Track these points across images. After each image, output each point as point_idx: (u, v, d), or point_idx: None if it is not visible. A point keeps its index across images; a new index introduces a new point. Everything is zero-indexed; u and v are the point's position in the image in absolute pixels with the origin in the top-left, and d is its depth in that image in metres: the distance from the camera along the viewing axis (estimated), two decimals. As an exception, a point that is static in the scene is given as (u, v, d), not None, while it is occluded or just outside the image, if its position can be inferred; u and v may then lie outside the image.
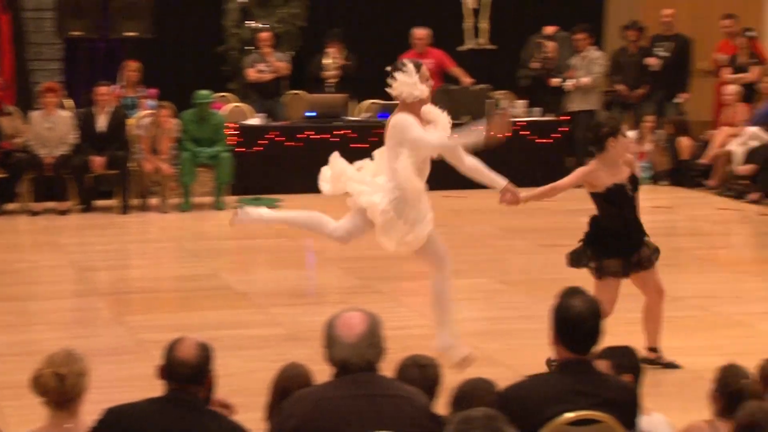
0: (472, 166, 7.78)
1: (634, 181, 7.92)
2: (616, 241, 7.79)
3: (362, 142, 15.58)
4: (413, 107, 7.51)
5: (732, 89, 15.93)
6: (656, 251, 8.00)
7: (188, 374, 4.48)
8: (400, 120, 7.45)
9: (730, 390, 5.07)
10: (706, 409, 5.13)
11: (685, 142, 15.96)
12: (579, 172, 7.95)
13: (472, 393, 4.79)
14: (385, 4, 18.51)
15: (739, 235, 13.50)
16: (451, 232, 12.98)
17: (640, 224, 8.00)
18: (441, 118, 7.64)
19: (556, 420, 4.62)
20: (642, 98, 16.74)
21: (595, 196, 7.88)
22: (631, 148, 7.72)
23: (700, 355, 8.06)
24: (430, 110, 7.58)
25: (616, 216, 7.82)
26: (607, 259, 7.79)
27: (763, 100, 15.78)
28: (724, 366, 5.26)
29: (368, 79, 16.54)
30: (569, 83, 16.08)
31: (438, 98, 15.96)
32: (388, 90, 7.55)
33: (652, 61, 16.68)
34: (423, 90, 7.46)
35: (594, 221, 7.93)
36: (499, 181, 7.82)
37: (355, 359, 4.36)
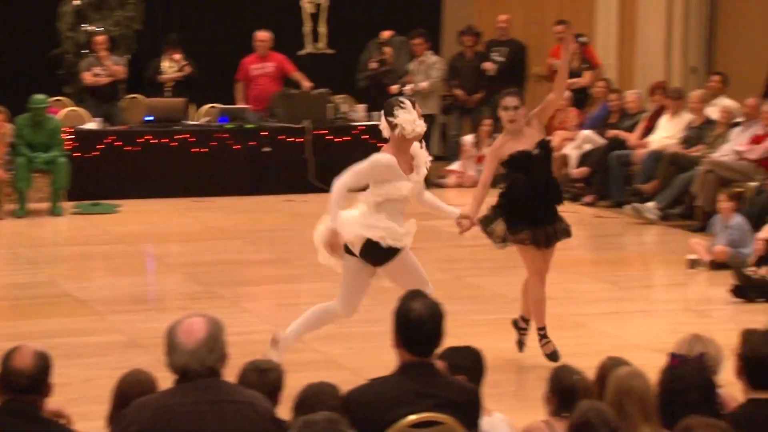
0: (430, 202, 8.15)
1: (543, 146, 7.99)
2: (524, 210, 7.87)
3: (202, 147, 15.48)
4: (406, 143, 7.59)
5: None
6: (565, 232, 8.11)
7: (25, 384, 4.38)
8: (376, 157, 7.60)
9: (561, 388, 5.17)
10: (544, 409, 5.22)
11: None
12: (488, 154, 8.09)
13: (314, 397, 4.79)
14: (223, 8, 18.41)
15: (575, 238, 13.68)
16: (294, 236, 12.98)
17: (555, 188, 8.11)
18: (421, 153, 7.77)
19: (398, 422, 4.65)
20: (479, 102, 16.97)
21: (503, 167, 7.98)
22: (519, 115, 7.83)
23: (539, 356, 8.19)
24: (414, 145, 7.67)
25: (523, 183, 7.90)
26: (515, 227, 7.84)
27: (596, 105, 16.15)
28: (556, 366, 5.37)
29: (207, 83, 16.44)
30: (408, 88, 16.21)
31: (278, 102, 15.97)
32: (381, 128, 7.65)
33: (488, 66, 16.92)
34: (422, 125, 7.56)
35: (502, 194, 8.02)
36: (454, 211, 8.17)
37: (195, 365, 4.31)
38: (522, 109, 8.01)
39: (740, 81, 15.79)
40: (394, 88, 16.50)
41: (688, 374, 4.93)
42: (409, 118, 7.52)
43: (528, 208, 7.94)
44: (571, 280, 10.99)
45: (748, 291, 9.86)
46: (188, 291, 10.48)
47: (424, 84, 16.30)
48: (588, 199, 14.97)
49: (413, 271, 7.69)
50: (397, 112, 7.53)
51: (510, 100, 8.02)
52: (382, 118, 7.63)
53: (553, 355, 8.02)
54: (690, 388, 4.89)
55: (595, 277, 11.02)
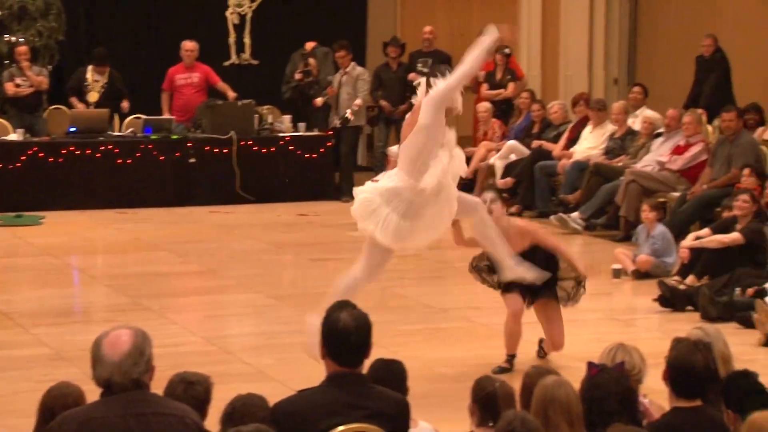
0: None
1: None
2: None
3: (126, 158, 15.37)
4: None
5: (484, 106, 16.37)
6: (552, 294, 8.38)
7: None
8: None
9: (483, 396, 5.21)
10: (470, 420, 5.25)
11: (447, 157, 16.28)
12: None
13: (243, 409, 4.77)
14: (148, 19, 18.30)
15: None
16: (219, 247, 12.94)
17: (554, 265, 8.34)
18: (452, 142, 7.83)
19: (327, 433, 4.65)
20: (405, 113, 17.00)
21: None
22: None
23: (466, 366, 8.23)
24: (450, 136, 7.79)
25: None
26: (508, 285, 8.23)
27: (520, 115, 16.26)
28: (478, 378, 5.41)
29: (132, 94, 16.32)
30: (349, 113, 16.16)
31: (204, 113, 15.90)
32: (420, 94, 7.68)
33: (413, 77, 16.96)
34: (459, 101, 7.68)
35: None
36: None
37: (119, 378, 4.28)
38: (499, 205, 8.29)
39: (661, 92, 16.01)
40: (319, 101, 16.49)
41: (607, 383, 4.98)
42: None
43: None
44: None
45: (673, 300, 9.98)
46: (114, 303, 10.39)
47: (358, 101, 16.26)
48: (513, 209, 15.05)
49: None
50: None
51: (486, 195, 8.40)
52: (424, 85, 7.63)
53: None
54: (609, 396, 4.94)
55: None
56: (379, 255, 7.70)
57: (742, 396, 5.12)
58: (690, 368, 5.13)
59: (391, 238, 7.51)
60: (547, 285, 8.32)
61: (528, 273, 7.93)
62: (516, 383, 5.42)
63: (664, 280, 10.36)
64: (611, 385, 4.97)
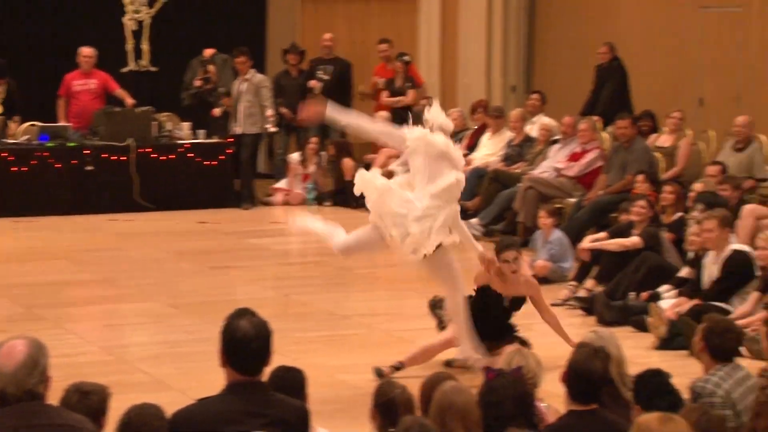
0: (461, 228, 8.51)
1: (515, 303, 8.59)
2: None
3: (22, 166, 15.14)
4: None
5: (382, 115, 16.42)
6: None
7: None
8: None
9: (383, 402, 5.24)
10: (371, 426, 5.27)
11: (348, 164, 16.32)
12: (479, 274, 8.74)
13: (138, 419, 4.73)
14: (45, 25, 18.05)
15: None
16: (119, 255, 12.81)
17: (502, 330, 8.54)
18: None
19: (227, 441, 4.63)
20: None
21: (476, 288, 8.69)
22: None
23: (366, 372, 8.25)
24: None
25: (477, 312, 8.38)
26: None
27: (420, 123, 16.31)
28: (379, 383, 5.44)
29: (27, 101, 16.08)
30: (270, 126, 16.13)
31: (101, 120, 15.73)
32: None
33: (314, 84, 16.98)
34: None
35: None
36: (477, 246, 8.67)
37: (13, 389, 4.23)
38: (520, 260, 8.55)
39: (559, 99, 16.21)
40: (217, 111, 16.39)
41: (503, 387, 5.04)
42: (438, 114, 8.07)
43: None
44: (398, 296, 11.10)
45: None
46: (9, 313, 10.22)
47: (270, 112, 16.16)
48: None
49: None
50: (426, 112, 8.06)
51: (509, 254, 8.48)
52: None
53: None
54: (505, 401, 5.00)
55: (422, 293, 11.12)
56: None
57: (651, 394, 5.23)
58: (588, 374, 5.22)
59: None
60: (507, 332, 8.47)
61: (477, 361, 8.02)
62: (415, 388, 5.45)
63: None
64: (507, 389, 5.04)
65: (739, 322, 8.81)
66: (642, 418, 4.06)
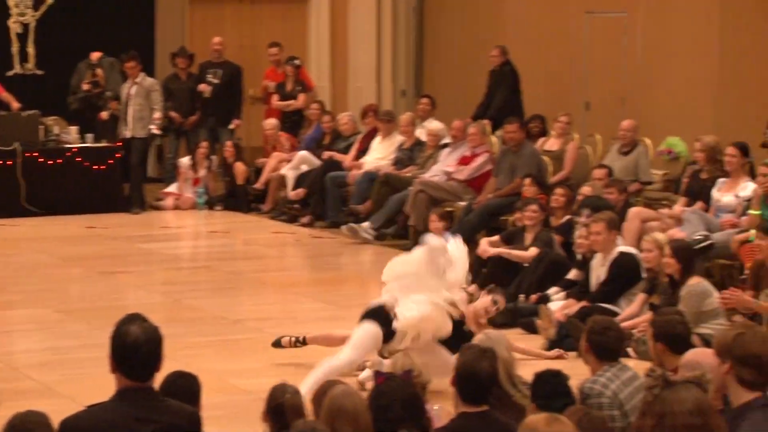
0: None
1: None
2: None
3: None
4: None
5: (270, 123, 16.42)
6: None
7: None
8: None
9: (273, 406, 5.25)
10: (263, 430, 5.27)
11: (239, 168, 16.27)
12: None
13: (22, 427, 4.65)
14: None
15: (293, 258, 13.92)
16: (6, 261, 12.60)
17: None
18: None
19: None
20: (195, 125, 16.91)
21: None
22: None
23: (259, 377, 8.24)
24: None
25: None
26: None
27: (310, 126, 16.34)
28: (272, 387, 5.44)
29: None
30: (154, 128, 15.99)
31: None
32: None
33: (203, 88, 16.88)
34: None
35: None
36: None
37: None
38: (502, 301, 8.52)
39: (449, 103, 16.34)
40: (104, 114, 16.21)
41: (392, 390, 5.07)
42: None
43: None
44: (290, 300, 11.10)
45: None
46: None
47: (157, 115, 16.02)
48: (305, 219, 15.15)
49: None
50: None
51: (497, 296, 8.46)
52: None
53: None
54: (394, 404, 5.03)
55: (314, 297, 11.16)
56: None
57: (548, 394, 5.31)
58: (475, 375, 5.27)
59: None
60: None
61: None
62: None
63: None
64: (396, 392, 5.07)
65: (627, 323, 9.00)
66: (529, 418, 4.12)
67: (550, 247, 10.72)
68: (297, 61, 17.00)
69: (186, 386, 5.36)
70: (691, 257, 8.82)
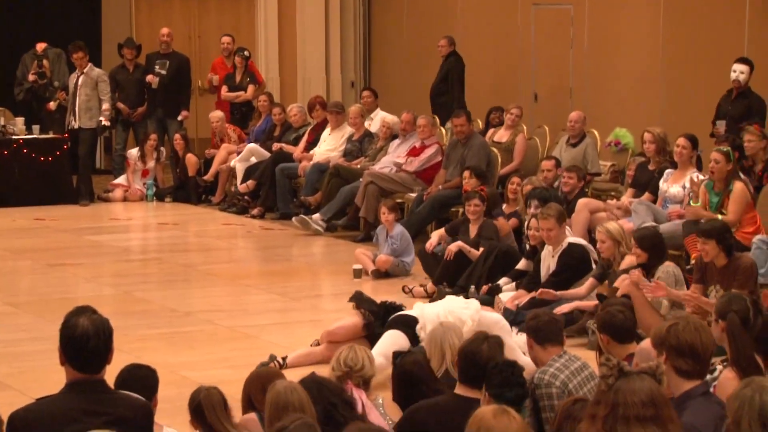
0: None
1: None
2: None
3: None
4: None
5: (216, 116, 16.35)
6: None
7: None
8: None
9: (192, 408, 5.28)
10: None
11: (189, 159, 16.21)
12: None
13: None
14: None
15: (244, 249, 13.89)
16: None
17: None
18: None
19: (68, 441, 4.58)
20: (143, 116, 16.83)
21: None
22: None
23: (210, 369, 8.23)
24: None
25: None
26: None
27: (260, 118, 16.29)
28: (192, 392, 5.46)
29: None
30: (104, 120, 15.89)
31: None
32: None
33: (151, 79, 16.81)
34: None
35: None
36: None
37: None
38: None
39: (396, 95, 16.37)
40: (52, 105, 16.10)
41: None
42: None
43: None
44: (241, 292, 11.08)
45: None
46: None
47: (106, 106, 15.92)
48: (255, 211, 15.13)
49: None
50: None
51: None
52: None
53: None
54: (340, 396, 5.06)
55: (265, 288, 11.16)
56: None
57: (502, 384, 5.38)
58: (475, 356, 5.52)
59: None
60: None
61: None
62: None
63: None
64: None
65: (571, 305, 9.09)
66: (479, 410, 4.17)
67: (495, 238, 10.78)
68: (246, 53, 16.96)
69: (142, 377, 5.36)
70: (656, 244, 8.85)
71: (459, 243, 10.75)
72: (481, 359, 5.49)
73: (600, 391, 4.18)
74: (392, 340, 7.92)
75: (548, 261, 9.77)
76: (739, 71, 12.02)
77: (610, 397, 4.18)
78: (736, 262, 8.47)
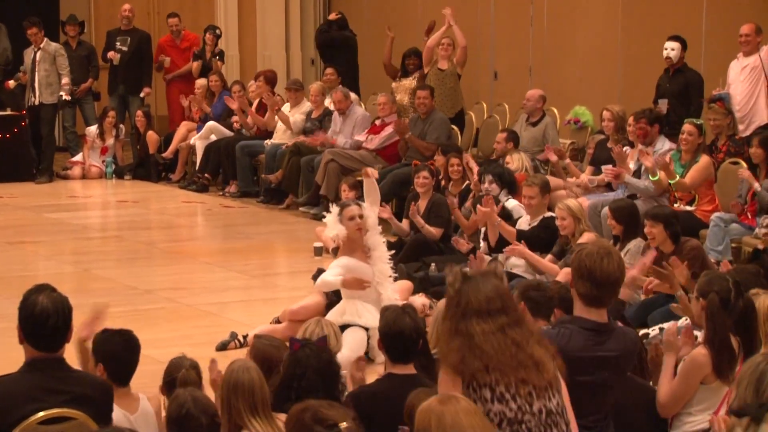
0: None
1: None
2: None
3: None
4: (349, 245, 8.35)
5: (200, 83, 16.27)
6: None
7: None
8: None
9: (167, 380, 5.29)
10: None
11: (151, 137, 16.14)
12: None
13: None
14: None
15: (204, 227, 13.87)
16: None
17: None
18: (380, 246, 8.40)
19: (27, 420, 4.58)
20: (88, 93, 16.64)
21: None
22: None
23: (171, 347, 8.22)
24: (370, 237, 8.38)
25: None
26: None
27: (213, 97, 16.12)
28: (171, 360, 5.47)
29: None
30: (64, 95, 15.78)
31: None
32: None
33: (112, 56, 16.72)
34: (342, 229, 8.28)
35: None
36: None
37: None
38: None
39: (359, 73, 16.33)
40: (11, 83, 15.98)
41: (307, 358, 5.10)
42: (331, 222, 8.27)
43: None
44: (201, 269, 11.07)
45: None
46: None
47: (66, 80, 15.80)
48: (216, 189, 15.09)
49: None
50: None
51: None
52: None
53: None
54: (308, 371, 5.07)
55: (225, 266, 11.15)
56: None
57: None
58: (400, 332, 5.40)
59: None
60: None
61: None
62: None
63: None
64: (311, 359, 5.09)
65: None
66: (424, 403, 4.20)
67: (446, 215, 10.73)
68: (218, 31, 16.94)
69: (123, 342, 5.37)
70: (632, 216, 8.86)
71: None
72: (406, 333, 5.42)
73: (448, 297, 4.31)
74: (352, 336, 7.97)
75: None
76: (670, 48, 12.12)
77: (455, 299, 4.29)
78: (682, 247, 8.42)
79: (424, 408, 3.84)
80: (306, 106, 14.87)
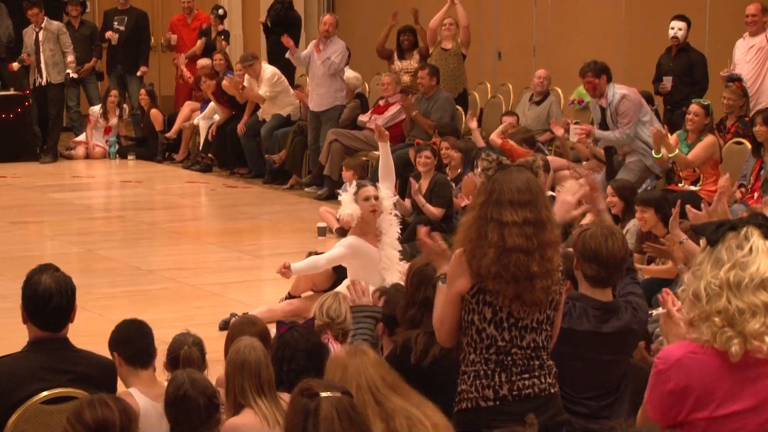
0: None
1: None
2: None
3: None
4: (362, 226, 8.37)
5: (203, 62, 16.22)
6: None
7: None
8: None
9: (171, 357, 5.28)
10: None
11: (155, 115, 16.13)
12: None
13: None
14: None
15: (207, 207, 13.87)
16: None
17: None
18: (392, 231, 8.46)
19: (30, 399, 4.58)
20: (90, 73, 16.59)
21: None
22: None
23: (173, 327, 8.19)
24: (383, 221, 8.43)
25: None
26: None
27: (217, 76, 16.07)
28: (176, 336, 5.47)
29: None
30: (71, 72, 15.76)
31: None
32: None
33: (110, 35, 16.69)
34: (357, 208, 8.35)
35: None
36: None
37: None
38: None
39: (363, 51, 16.30)
40: (15, 65, 15.96)
41: (296, 340, 5.09)
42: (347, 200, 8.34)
43: None
44: (205, 250, 11.08)
45: None
46: None
47: (71, 58, 15.78)
48: (219, 169, 15.09)
49: None
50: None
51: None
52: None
53: None
54: (297, 354, 5.06)
55: (229, 246, 11.15)
56: None
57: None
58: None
59: None
60: None
61: None
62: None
63: None
64: (299, 342, 5.07)
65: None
66: (333, 355, 4.28)
67: (447, 195, 10.72)
68: (221, 11, 16.90)
69: (132, 326, 5.37)
70: (633, 193, 8.85)
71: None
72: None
73: (482, 183, 4.35)
74: None
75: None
76: (677, 28, 12.10)
77: (488, 185, 4.38)
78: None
79: (332, 359, 3.92)
80: (267, 72, 14.69)
